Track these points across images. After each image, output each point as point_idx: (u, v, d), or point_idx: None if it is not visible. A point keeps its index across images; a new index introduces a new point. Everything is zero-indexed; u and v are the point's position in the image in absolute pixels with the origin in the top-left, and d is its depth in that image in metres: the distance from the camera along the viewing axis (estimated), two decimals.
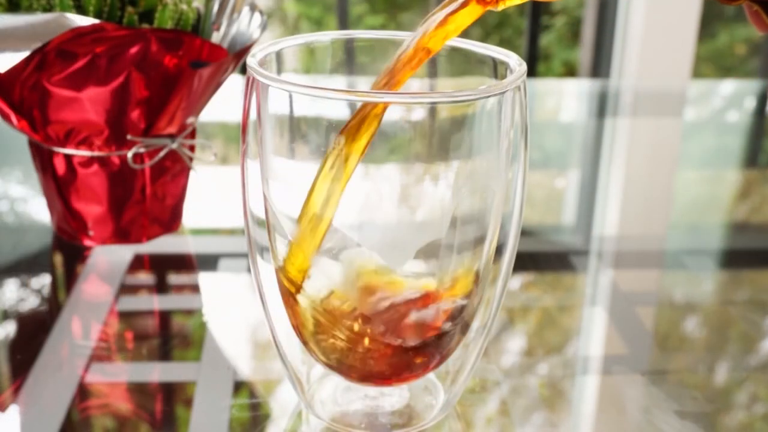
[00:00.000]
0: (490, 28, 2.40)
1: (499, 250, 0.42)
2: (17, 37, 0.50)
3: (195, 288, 0.58)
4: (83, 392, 0.46)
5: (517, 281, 0.59)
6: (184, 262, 0.61)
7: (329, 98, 0.35)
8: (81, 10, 0.53)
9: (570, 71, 2.36)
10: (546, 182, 0.79)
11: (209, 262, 0.60)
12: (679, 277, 0.61)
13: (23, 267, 0.59)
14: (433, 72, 0.41)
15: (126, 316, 0.53)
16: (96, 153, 0.57)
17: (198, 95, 0.57)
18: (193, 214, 0.65)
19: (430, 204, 0.36)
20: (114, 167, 0.57)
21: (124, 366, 0.48)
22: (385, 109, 0.35)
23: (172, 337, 0.52)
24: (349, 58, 0.43)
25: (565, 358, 0.51)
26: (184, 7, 0.56)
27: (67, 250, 0.61)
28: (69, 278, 0.58)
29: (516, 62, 0.39)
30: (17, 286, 0.56)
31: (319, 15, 2.52)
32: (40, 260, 0.61)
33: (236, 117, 0.89)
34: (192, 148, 0.61)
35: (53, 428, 0.43)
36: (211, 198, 0.70)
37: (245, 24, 0.60)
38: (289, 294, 0.39)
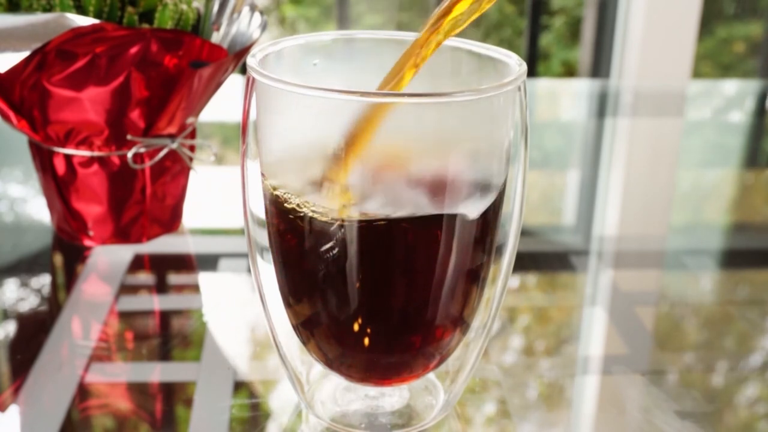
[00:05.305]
0: (489, 28, 2.40)
1: (499, 250, 0.42)
2: (17, 37, 0.50)
3: (195, 288, 0.58)
4: (83, 392, 0.46)
5: (517, 281, 0.59)
6: (184, 262, 0.61)
7: (329, 98, 0.35)
8: (81, 10, 0.53)
9: (569, 71, 2.36)
10: (546, 182, 0.79)
11: (209, 262, 0.60)
12: (679, 277, 0.61)
13: (23, 267, 0.59)
14: (433, 72, 0.41)
15: (126, 316, 0.53)
16: (96, 153, 0.57)
17: (198, 95, 0.57)
18: (193, 214, 0.65)
19: (429, 204, 0.36)
20: (114, 167, 0.57)
21: (124, 366, 0.48)
22: (387, 109, 0.35)
23: (172, 337, 0.52)
24: (349, 58, 0.43)
25: (565, 358, 0.51)
26: (184, 7, 0.56)
27: (67, 250, 0.61)
28: (69, 278, 0.58)
29: (516, 62, 0.39)
30: (17, 286, 0.56)
31: (317, 16, 2.52)
32: (40, 260, 0.61)
33: (235, 117, 0.89)
34: (192, 148, 0.61)
35: (53, 428, 0.43)
36: (211, 198, 0.70)
37: (245, 24, 0.60)
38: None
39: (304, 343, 0.42)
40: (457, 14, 0.37)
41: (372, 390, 0.44)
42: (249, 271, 0.44)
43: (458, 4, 0.37)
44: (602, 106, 0.98)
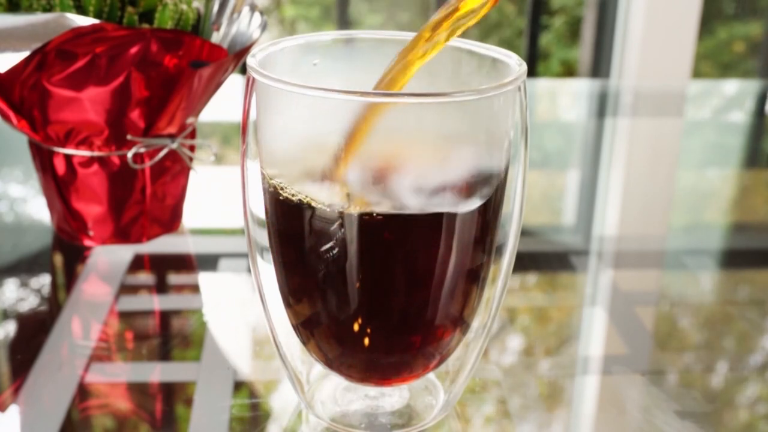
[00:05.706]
0: (489, 28, 2.40)
1: (499, 250, 0.42)
2: (17, 37, 0.50)
3: (195, 288, 0.58)
4: (83, 392, 0.46)
5: (517, 281, 0.59)
6: (184, 262, 0.61)
7: (329, 98, 0.35)
8: (81, 10, 0.53)
9: (569, 71, 2.36)
10: (546, 182, 0.79)
11: (209, 262, 0.60)
12: (679, 277, 0.61)
13: (23, 267, 0.59)
14: (433, 72, 0.41)
15: (126, 316, 0.53)
16: (96, 153, 0.57)
17: (198, 95, 0.57)
18: (193, 214, 0.65)
19: (429, 204, 0.36)
20: (114, 167, 0.57)
21: (124, 366, 0.48)
22: (387, 109, 0.35)
23: (172, 337, 0.52)
24: (349, 58, 0.43)
25: (565, 358, 0.51)
26: (184, 7, 0.56)
27: (67, 250, 0.61)
28: (69, 278, 0.58)
29: (516, 62, 0.39)
30: (17, 286, 0.56)
31: (317, 16, 2.52)
32: (40, 260, 0.61)
33: (236, 117, 0.89)
34: (192, 148, 0.61)
35: (53, 428, 0.43)
36: (211, 198, 0.70)
37: (245, 24, 0.60)
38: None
39: (304, 343, 0.42)
40: (462, 13, 0.37)
41: (372, 390, 0.44)
42: (249, 271, 0.44)
43: (464, 3, 0.37)
44: (602, 106, 0.98)
